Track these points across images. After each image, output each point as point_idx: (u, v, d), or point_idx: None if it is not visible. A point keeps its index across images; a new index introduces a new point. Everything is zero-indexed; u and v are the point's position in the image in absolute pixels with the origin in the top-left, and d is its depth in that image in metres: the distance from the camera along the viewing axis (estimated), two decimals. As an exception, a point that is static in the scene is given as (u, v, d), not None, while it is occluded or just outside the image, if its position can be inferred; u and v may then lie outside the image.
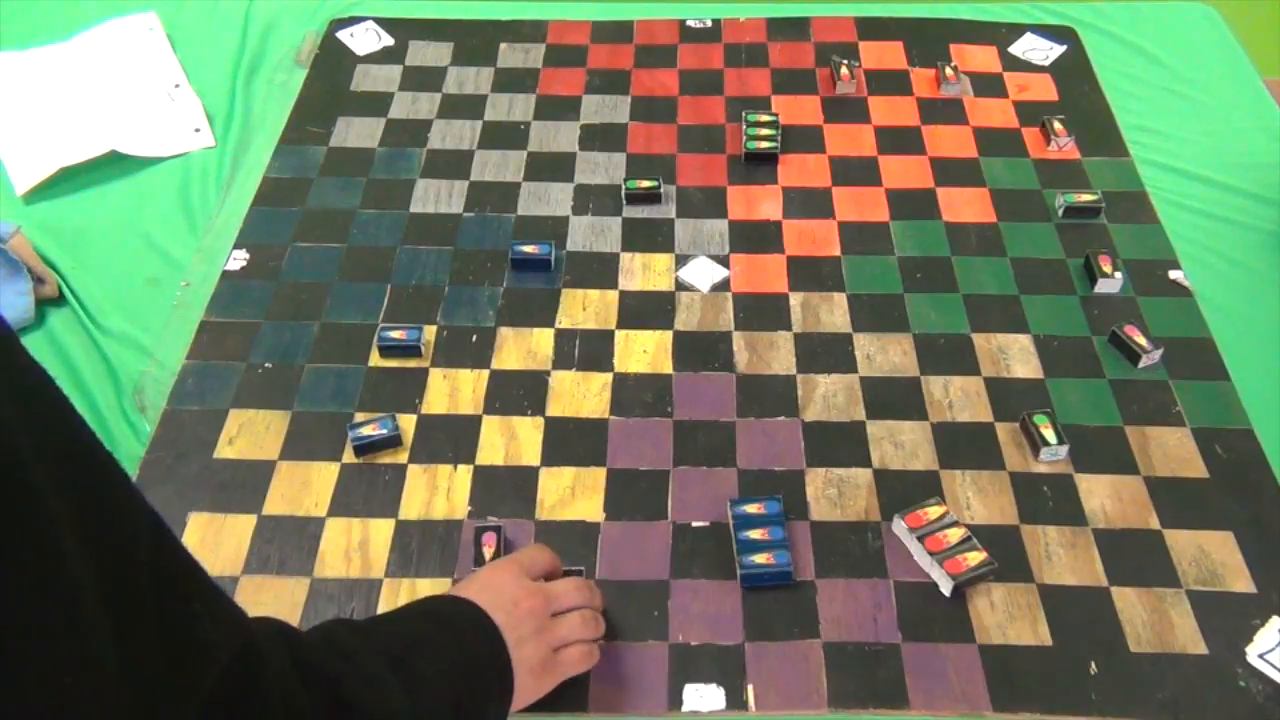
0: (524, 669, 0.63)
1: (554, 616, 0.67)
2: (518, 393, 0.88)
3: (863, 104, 1.15)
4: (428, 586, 0.75)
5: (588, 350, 0.91)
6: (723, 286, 0.96)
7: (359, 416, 0.86)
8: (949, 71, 1.16)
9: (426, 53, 1.23)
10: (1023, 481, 0.82)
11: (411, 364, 0.90)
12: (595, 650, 0.69)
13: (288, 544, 0.78)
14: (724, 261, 0.99)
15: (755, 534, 0.77)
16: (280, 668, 0.48)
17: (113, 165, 1.08)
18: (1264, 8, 1.84)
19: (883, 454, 0.83)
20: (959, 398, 0.87)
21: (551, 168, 1.08)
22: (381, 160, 1.09)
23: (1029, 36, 1.24)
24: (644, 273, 0.98)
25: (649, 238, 1.01)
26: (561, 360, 0.90)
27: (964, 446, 0.84)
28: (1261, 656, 0.72)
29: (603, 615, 0.71)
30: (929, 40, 1.23)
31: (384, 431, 0.83)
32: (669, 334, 0.92)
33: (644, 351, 0.91)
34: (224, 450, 0.84)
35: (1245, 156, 1.10)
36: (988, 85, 1.18)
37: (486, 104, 1.16)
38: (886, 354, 0.90)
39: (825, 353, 0.91)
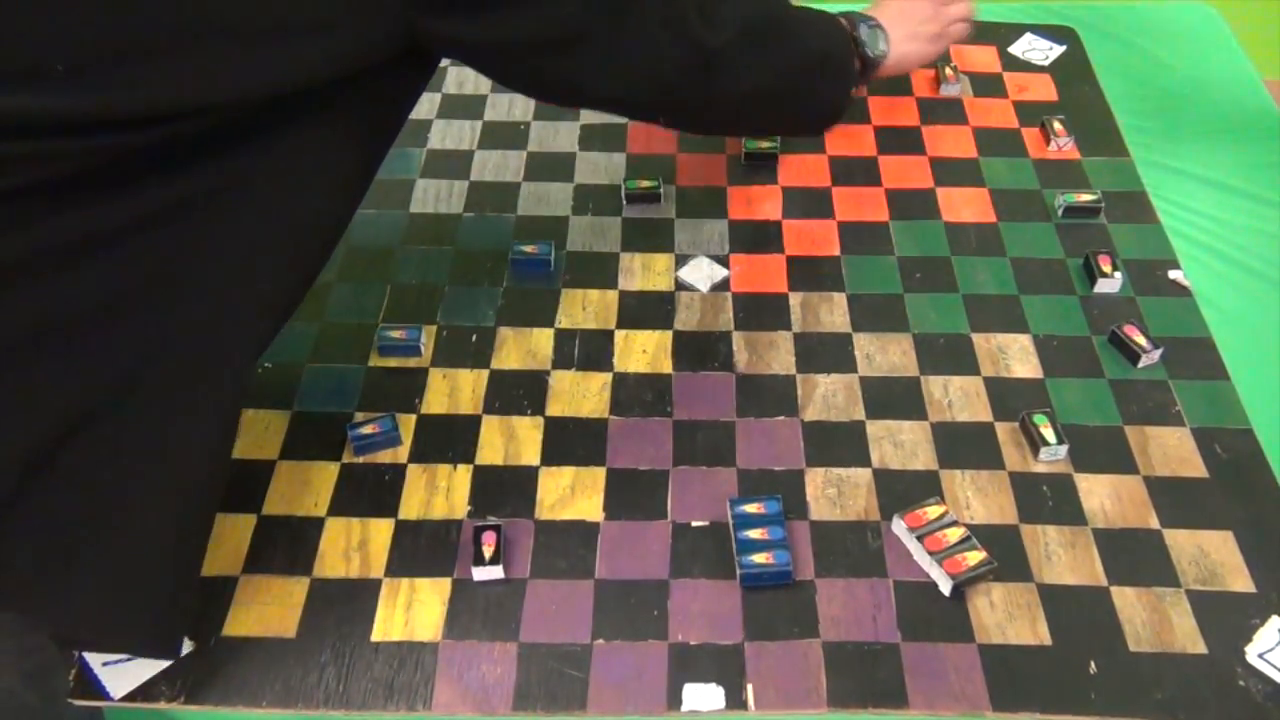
0: (924, 39, 0.99)
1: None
2: (517, 392, 0.88)
3: (863, 104, 1.15)
4: (427, 586, 0.76)
5: (587, 350, 0.91)
6: (722, 286, 0.96)
7: (359, 416, 0.86)
8: (949, 71, 1.17)
9: (426, 53, 1.23)
10: (1022, 481, 0.82)
11: (411, 364, 0.90)
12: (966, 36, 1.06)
13: (287, 544, 0.78)
14: (724, 261, 0.99)
15: (755, 533, 0.77)
16: None
17: (113, 165, 1.08)
18: (1264, 8, 1.84)
19: (882, 454, 0.83)
20: (959, 397, 0.87)
21: (551, 168, 1.08)
22: (381, 160, 1.09)
23: (1029, 36, 1.24)
24: (643, 273, 0.98)
25: (649, 238, 1.01)
26: (561, 360, 0.90)
27: (963, 446, 0.84)
28: (1261, 656, 0.72)
29: None
30: (929, 40, 1.23)
31: (384, 431, 0.83)
32: (669, 334, 0.92)
33: (643, 351, 0.91)
34: (224, 450, 0.84)
35: (1245, 156, 1.10)
36: (988, 85, 1.18)
37: (486, 104, 1.16)
38: (886, 354, 0.91)
39: (825, 352, 0.91)
